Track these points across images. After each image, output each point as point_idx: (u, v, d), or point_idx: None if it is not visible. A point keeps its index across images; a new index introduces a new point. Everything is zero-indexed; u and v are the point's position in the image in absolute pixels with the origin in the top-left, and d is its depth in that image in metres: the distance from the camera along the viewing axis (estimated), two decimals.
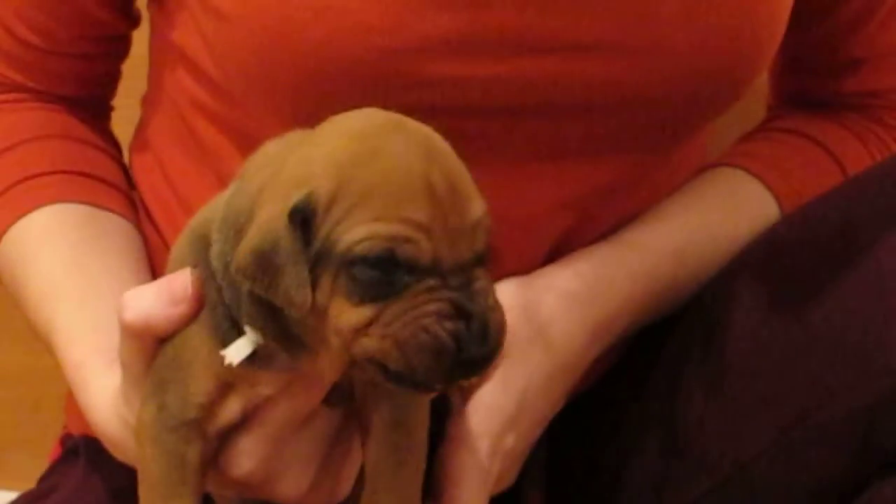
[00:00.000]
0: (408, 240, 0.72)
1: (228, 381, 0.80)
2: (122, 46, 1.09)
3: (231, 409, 0.82)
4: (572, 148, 0.96)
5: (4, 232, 1.01)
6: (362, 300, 0.73)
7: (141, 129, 1.10)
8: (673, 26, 0.93)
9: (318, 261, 0.73)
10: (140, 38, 1.09)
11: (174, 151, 1.04)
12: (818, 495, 0.96)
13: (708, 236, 1.03)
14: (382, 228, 0.72)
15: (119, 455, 0.88)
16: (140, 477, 0.82)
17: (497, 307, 0.75)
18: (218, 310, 0.79)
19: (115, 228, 1.02)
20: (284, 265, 0.73)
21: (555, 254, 0.99)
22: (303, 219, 0.73)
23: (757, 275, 1.00)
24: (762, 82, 1.15)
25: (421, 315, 0.72)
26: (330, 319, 0.74)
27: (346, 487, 0.86)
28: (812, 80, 1.14)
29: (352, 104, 0.84)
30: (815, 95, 1.14)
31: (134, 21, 1.08)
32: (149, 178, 1.07)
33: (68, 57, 1.07)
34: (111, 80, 1.12)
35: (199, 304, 0.79)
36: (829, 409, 0.93)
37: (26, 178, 1.03)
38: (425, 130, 0.76)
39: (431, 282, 0.73)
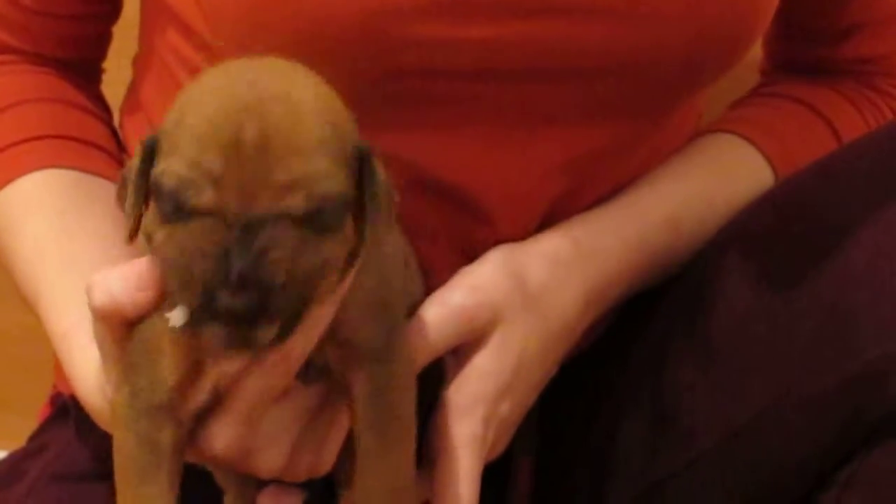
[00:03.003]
0: (192, 183, 0.71)
1: (197, 361, 0.78)
2: (112, 7, 1.07)
3: (202, 389, 0.80)
4: (566, 112, 0.94)
5: None
6: (163, 222, 0.73)
7: (132, 90, 1.08)
8: None
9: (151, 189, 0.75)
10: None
11: (164, 110, 0.99)
12: (804, 466, 0.93)
13: (703, 202, 1.02)
14: (176, 167, 0.72)
15: (103, 425, 0.86)
16: (115, 461, 0.81)
17: (278, 264, 0.71)
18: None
19: (105, 194, 0.98)
20: (128, 190, 0.76)
21: (549, 218, 0.97)
22: (146, 151, 0.75)
23: (747, 249, 0.98)
24: (756, 49, 1.11)
25: (185, 246, 0.72)
26: (150, 244, 0.75)
27: (328, 460, 0.84)
28: (807, 46, 1.13)
29: (343, 65, 0.86)
30: (809, 61, 1.13)
31: None
32: (140, 139, 1.02)
33: (58, 18, 1.04)
34: (102, 41, 1.09)
35: (161, 289, 0.78)
36: (815, 384, 0.91)
37: (14, 143, 1.00)
38: (281, 88, 0.75)
39: (211, 224, 0.71)
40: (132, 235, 0.74)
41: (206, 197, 0.71)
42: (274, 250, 0.71)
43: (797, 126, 1.08)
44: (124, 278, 0.77)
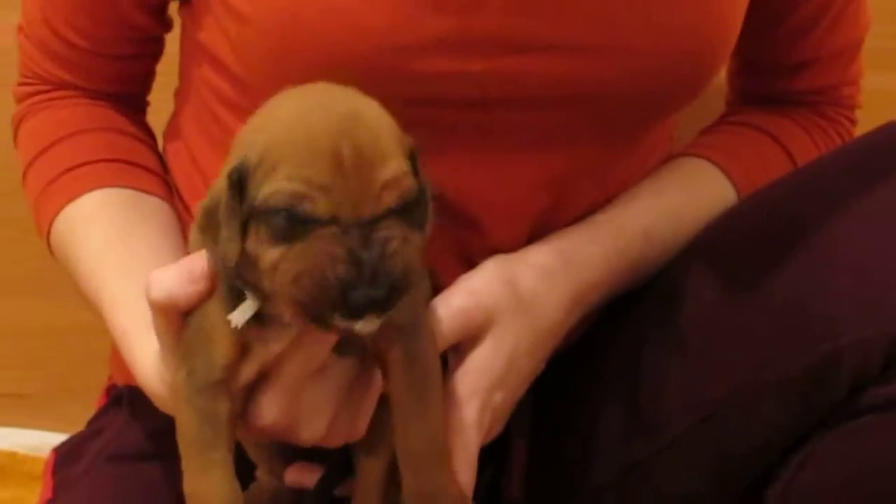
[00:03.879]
0: (305, 196, 0.72)
1: (245, 343, 0.80)
2: (156, 48, 1.08)
3: (250, 367, 0.82)
4: (550, 136, 0.95)
5: (57, 213, 1.00)
6: (274, 243, 0.74)
7: (173, 119, 1.09)
8: (636, 30, 0.91)
9: (250, 215, 0.74)
10: (171, 40, 1.07)
11: (201, 138, 1.03)
12: (765, 447, 0.95)
13: (674, 218, 1.02)
14: (287, 185, 0.73)
15: (161, 406, 0.88)
16: (178, 434, 0.82)
17: (396, 256, 0.74)
18: (224, 281, 0.80)
19: (153, 208, 1.01)
20: (222, 220, 0.75)
21: (537, 229, 0.98)
22: (239, 180, 0.74)
23: (712, 257, 0.99)
24: (721, 80, 1.14)
25: (314, 255, 0.73)
26: (259, 264, 0.75)
27: (362, 426, 0.86)
28: (765, 80, 1.13)
29: None
30: (767, 93, 1.13)
31: (167, 25, 1.07)
32: (179, 162, 1.06)
33: (110, 58, 1.05)
34: (147, 77, 1.10)
35: (213, 282, 0.80)
36: (775, 373, 0.92)
37: (76, 166, 1.01)
38: (352, 106, 0.76)
39: (330, 231, 0.73)
40: (233, 259, 0.75)
41: (321, 206, 0.72)
42: (389, 244, 0.73)
43: (757, 151, 1.08)
44: (177, 275, 0.80)
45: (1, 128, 1.09)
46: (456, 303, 0.90)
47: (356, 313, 0.73)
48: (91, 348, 1.15)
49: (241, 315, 0.78)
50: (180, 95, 1.07)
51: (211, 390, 0.81)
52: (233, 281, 0.78)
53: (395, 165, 0.74)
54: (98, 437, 1.08)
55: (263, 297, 0.77)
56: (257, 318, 0.79)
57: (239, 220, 0.74)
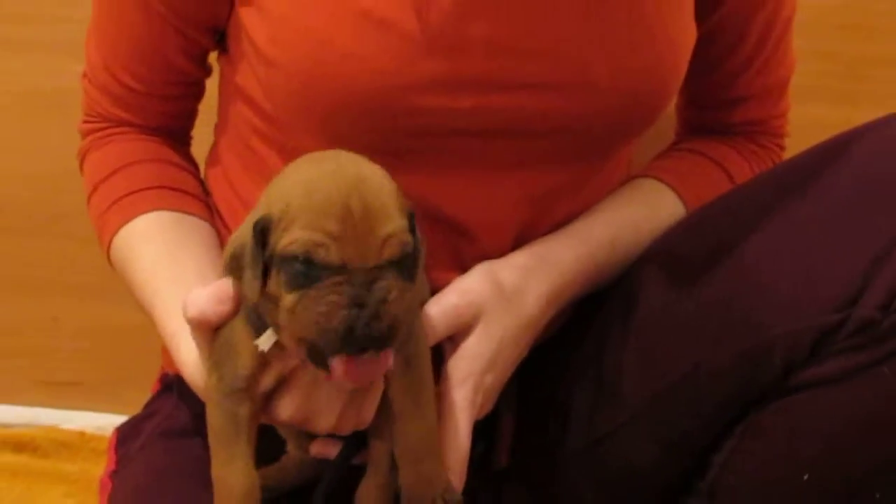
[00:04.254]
0: (320, 244, 0.74)
1: (265, 358, 0.81)
2: (198, 90, 1.08)
3: (270, 377, 0.83)
4: (529, 160, 0.96)
5: (116, 232, 1.00)
6: (292, 288, 0.75)
7: (213, 149, 1.09)
8: (601, 72, 0.93)
9: (271, 261, 0.75)
10: (210, 83, 1.08)
11: (237, 165, 1.04)
12: (712, 421, 0.95)
13: (634, 229, 1.02)
14: (303, 235, 0.74)
15: (202, 397, 0.88)
16: (208, 428, 0.84)
17: (393, 303, 0.75)
18: (249, 305, 0.80)
19: (196, 227, 1.02)
20: (247, 264, 0.76)
21: (520, 238, 0.98)
22: (262, 231, 0.75)
23: (666, 260, 0.99)
24: (671, 114, 1.15)
25: (322, 302, 0.74)
26: (279, 305, 0.76)
27: (367, 417, 0.86)
28: (707, 113, 1.13)
29: (367, 126, 0.90)
30: (709, 124, 1.14)
31: (208, 71, 1.07)
32: (219, 185, 1.07)
33: (160, 98, 1.05)
34: (191, 114, 1.10)
35: (237, 303, 0.81)
36: (717, 359, 0.92)
37: (131, 192, 1.02)
38: (360, 170, 0.77)
39: (339, 278, 0.74)
40: (254, 298, 0.76)
41: (333, 254, 0.73)
42: (389, 292, 0.74)
43: (702, 173, 1.08)
44: (208, 297, 0.81)
45: (70, 158, 1.10)
46: (449, 301, 0.90)
47: (357, 350, 0.74)
48: (146, 343, 1.12)
49: (266, 341, 0.79)
50: (219, 129, 1.07)
51: (236, 395, 0.82)
52: (256, 311, 0.79)
53: (395, 222, 0.75)
54: (152, 417, 1.09)
55: (275, 329, 0.78)
56: (277, 342, 0.80)
57: (261, 265, 0.75)
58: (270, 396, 0.84)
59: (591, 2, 0.92)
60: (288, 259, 0.74)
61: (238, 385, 0.81)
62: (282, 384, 0.83)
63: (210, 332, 0.82)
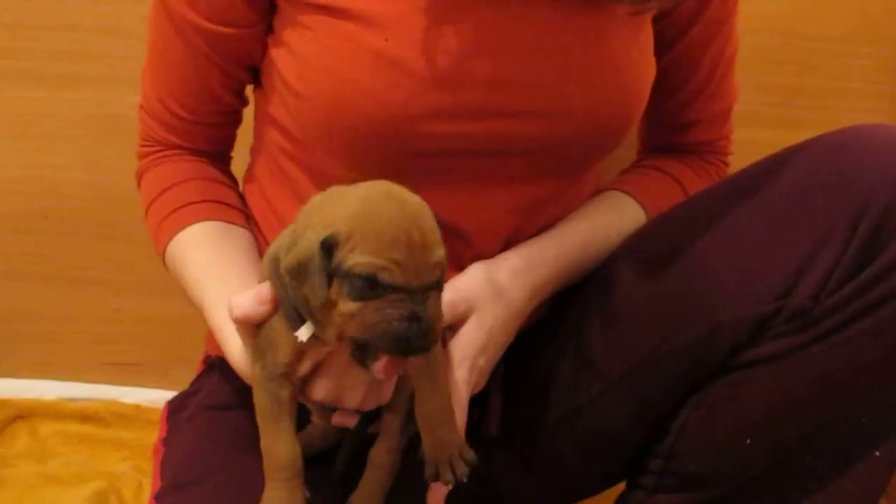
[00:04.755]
0: (385, 269, 0.74)
1: (302, 348, 0.81)
2: (237, 118, 1.08)
3: (306, 365, 0.83)
4: (519, 175, 0.96)
5: (170, 240, 1.00)
6: (355, 299, 0.75)
7: (249, 168, 1.09)
8: (579, 101, 0.93)
9: (334, 272, 0.75)
10: (247, 112, 1.08)
11: (270, 182, 1.04)
12: (670, 393, 0.94)
13: (602, 233, 1.02)
14: (372, 259, 0.74)
15: (244, 379, 0.88)
16: (256, 409, 0.84)
17: (438, 315, 0.76)
18: (287, 304, 0.80)
19: (238, 235, 1.01)
20: (313, 273, 0.75)
21: (509, 241, 0.98)
22: (327, 247, 0.75)
23: (632, 258, 0.99)
24: (633, 136, 1.14)
25: (387, 313, 0.74)
26: (336, 308, 0.76)
27: (387, 396, 0.86)
28: (664, 135, 1.13)
29: (379, 148, 0.89)
30: (666, 144, 1.13)
31: (245, 102, 1.06)
32: (255, 199, 1.06)
33: (206, 125, 1.05)
34: (231, 139, 1.09)
35: (276, 304, 0.81)
36: (674, 342, 0.92)
37: (183, 206, 1.01)
38: (414, 199, 0.78)
39: (399, 295, 0.74)
40: (319, 302, 0.75)
41: (396, 276, 0.74)
42: (435, 308, 0.76)
43: (660, 185, 1.08)
44: (250, 299, 0.81)
45: (122, 173, 1.10)
46: (447, 297, 0.89)
47: (409, 354, 0.75)
48: (192, 331, 1.11)
49: (305, 332, 0.79)
50: (254, 150, 1.07)
51: (277, 380, 0.82)
52: (294, 309, 0.79)
53: (441, 250, 0.76)
54: (198, 393, 1.09)
55: (318, 325, 0.78)
56: (313, 335, 0.80)
57: (326, 275, 0.75)
58: (306, 380, 0.84)
59: (569, 44, 0.92)
60: (355, 276, 0.74)
61: (279, 371, 0.82)
62: (316, 370, 0.84)
63: (252, 328, 0.82)
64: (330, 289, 0.75)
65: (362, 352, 0.76)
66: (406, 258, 0.74)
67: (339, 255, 0.74)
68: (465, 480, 0.84)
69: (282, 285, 0.79)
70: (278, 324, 0.81)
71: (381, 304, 0.74)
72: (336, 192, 0.79)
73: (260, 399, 0.83)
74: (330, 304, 0.76)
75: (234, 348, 0.87)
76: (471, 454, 0.84)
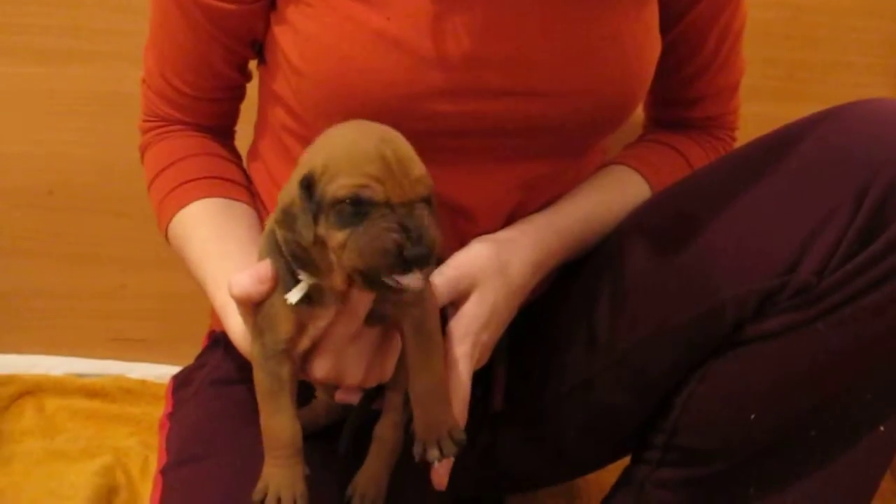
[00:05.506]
0: (365, 185, 0.73)
1: (300, 323, 0.81)
2: (240, 93, 1.07)
3: (305, 340, 0.82)
4: (521, 153, 0.96)
5: (173, 216, 1.00)
6: (342, 227, 0.74)
7: (253, 144, 1.09)
8: (579, 80, 0.92)
9: (318, 209, 0.74)
10: (251, 87, 1.07)
11: (273, 157, 1.04)
12: (675, 368, 0.95)
13: (605, 207, 1.02)
14: (350, 180, 0.73)
15: (245, 356, 0.88)
16: (255, 387, 0.83)
17: (430, 225, 0.75)
18: (282, 269, 0.79)
19: (241, 212, 1.01)
20: (298, 214, 0.75)
21: (511, 217, 0.98)
22: (306, 184, 0.74)
23: (637, 232, 0.99)
24: (638, 112, 1.13)
25: (374, 229, 0.73)
26: (328, 244, 0.75)
27: (389, 372, 0.86)
28: (670, 110, 1.12)
29: None
30: (672, 119, 1.13)
31: (248, 76, 1.06)
32: (259, 175, 1.06)
33: (208, 101, 1.04)
34: (234, 114, 1.09)
35: (275, 281, 0.80)
36: (678, 317, 0.92)
37: (185, 182, 1.01)
38: (384, 129, 0.77)
39: (384, 211, 0.73)
40: (309, 239, 0.75)
41: (378, 192, 0.73)
42: (426, 219, 0.74)
43: (665, 160, 1.08)
44: (250, 276, 0.80)
45: (127, 149, 1.09)
46: (450, 272, 0.90)
47: (409, 267, 0.73)
48: (197, 306, 1.11)
49: (295, 295, 0.78)
50: (258, 126, 1.07)
51: (277, 357, 0.81)
52: (292, 267, 0.78)
53: (420, 167, 0.75)
54: (203, 368, 1.09)
55: (319, 274, 0.77)
56: (307, 301, 0.79)
57: (311, 213, 0.74)
58: (306, 358, 0.84)
59: (573, 25, 0.92)
60: (338, 202, 0.73)
61: (279, 348, 0.81)
62: (315, 347, 0.83)
63: (252, 307, 0.82)
64: (318, 227, 0.74)
65: (372, 279, 0.74)
66: (383, 173, 0.73)
67: (318, 190, 0.74)
68: (451, 457, 0.83)
69: (279, 255, 0.79)
70: (278, 302, 0.80)
71: (369, 225, 0.73)
72: (321, 135, 0.79)
73: (260, 377, 0.82)
74: (322, 244, 0.75)
75: (236, 326, 0.87)
76: (461, 434, 0.84)
